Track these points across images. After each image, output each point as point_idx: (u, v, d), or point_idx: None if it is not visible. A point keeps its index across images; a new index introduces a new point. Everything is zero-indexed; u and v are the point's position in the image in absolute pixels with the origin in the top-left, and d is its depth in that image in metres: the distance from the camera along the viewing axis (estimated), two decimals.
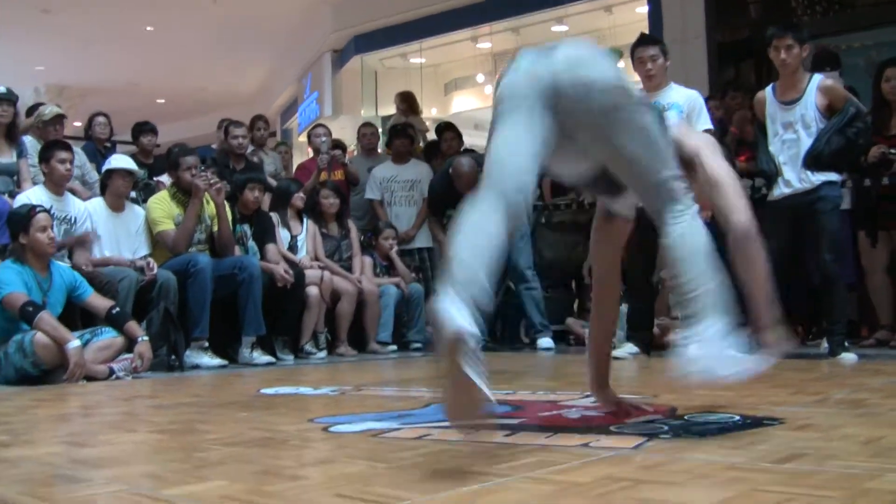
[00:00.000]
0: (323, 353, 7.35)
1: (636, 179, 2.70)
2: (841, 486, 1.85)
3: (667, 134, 2.74)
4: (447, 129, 9.43)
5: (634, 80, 5.44)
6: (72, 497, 1.98)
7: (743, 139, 7.31)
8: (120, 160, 6.95)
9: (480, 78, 15.21)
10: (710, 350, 2.50)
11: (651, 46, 6.29)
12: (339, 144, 9.69)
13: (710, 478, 1.98)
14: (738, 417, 2.88)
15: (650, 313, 6.61)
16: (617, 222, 2.99)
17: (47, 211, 5.83)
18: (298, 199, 7.73)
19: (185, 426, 3.23)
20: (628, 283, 6.78)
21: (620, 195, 2.85)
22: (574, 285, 8.75)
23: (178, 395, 4.69)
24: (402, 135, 9.11)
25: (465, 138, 9.73)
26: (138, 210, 6.97)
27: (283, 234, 7.58)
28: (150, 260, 6.53)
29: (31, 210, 5.69)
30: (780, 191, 5.78)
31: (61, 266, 5.89)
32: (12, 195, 6.63)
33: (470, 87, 15.57)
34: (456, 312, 2.09)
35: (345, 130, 12.29)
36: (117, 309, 5.83)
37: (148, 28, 15.56)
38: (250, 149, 8.82)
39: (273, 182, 8.27)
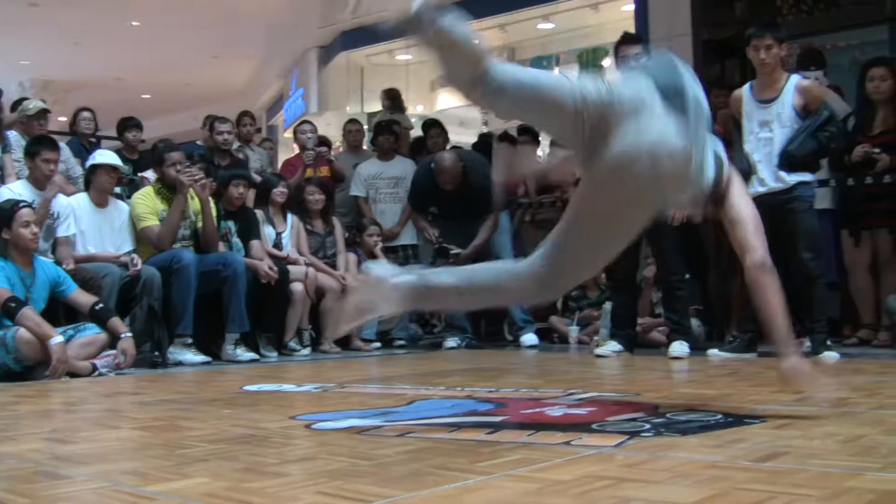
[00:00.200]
0: (307, 350, 7.34)
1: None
2: (820, 484, 1.86)
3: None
4: (433, 125, 9.42)
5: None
6: (54, 494, 1.98)
7: (727, 138, 7.31)
8: (104, 155, 6.92)
9: None
10: None
11: (634, 45, 6.31)
12: (324, 141, 9.68)
13: (690, 476, 1.99)
14: (719, 416, 2.89)
15: (634, 311, 6.63)
16: None
17: (30, 206, 5.81)
18: (279, 194, 7.70)
19: (168, 423, 3.22)
20: (612, 282, 6.82)
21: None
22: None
23: (161, 391, 4.68)
24: (387, 131, 9.10)
25: (450, 135, 9.71)
26: (123, 206, 6.94)
27: (268, 231, 7.57)
28: (135, 256, 6.51)
29: (14, 205, 5.66)
30: (754, 189, 5.81)
31: (45, 261, 5.87)
32: None
33: None
34: None
35: (330, 127, 12.26)
36: (101, 305, 5.82)
37: (134, 23, 15.53)
38: (236, 145, 8.81)
39: (258, 178, 8.25)
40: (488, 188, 7.34)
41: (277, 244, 7.57)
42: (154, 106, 19.31)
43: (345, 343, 7.57)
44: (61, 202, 6.51)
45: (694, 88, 2.80)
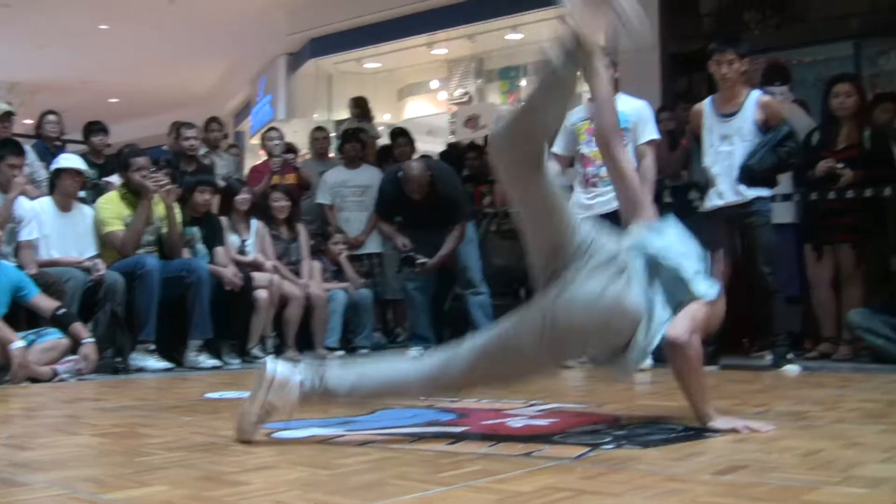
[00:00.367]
0: (270, 358, 7.29)
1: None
2: (779, 498, 1.88)
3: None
4: (400, 134, 9.42)
5: (585, 89, 5.45)
6: (10, 501, 1.96)
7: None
8: (69, 160, 6.88)
9: (434, 84, 15.20)
10: None
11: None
12: (291, 148, 9.67)
13: (650, 489, 2.00)
14: (680, 428, 2.90)
15: None
16: None
17: None
18: (241, 202, 7.65)
19: (128, 430, 3.21)
20: None
21: None
22: (524, 293, 8.76)
23: (122, 397, 4.66)
24: (354, 139, 9.10)
25: (417, 144, 9.72)
26: (87, 210, 6.89)
27: (232, 239, 7.53)
28: (98, 261, 6.46)
29: None
30: (713, 202, 5.89)
31: (7, 265, 5.82)
32: None
33: (424, 93, 15.56)
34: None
35: (297, 134, 12.22)
36: (63, 310, 5.78)
37: (102, 26, 15.40)
38: (203, 151, 8.77)
39: (223, 184, 8.21)
40: (456, 198, 7.33)
41: (241, 251, 7.54)
42: (121, 110, 19.16)
43: (308, 350, 7.54)
44: (24, 206, 6.44)
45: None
